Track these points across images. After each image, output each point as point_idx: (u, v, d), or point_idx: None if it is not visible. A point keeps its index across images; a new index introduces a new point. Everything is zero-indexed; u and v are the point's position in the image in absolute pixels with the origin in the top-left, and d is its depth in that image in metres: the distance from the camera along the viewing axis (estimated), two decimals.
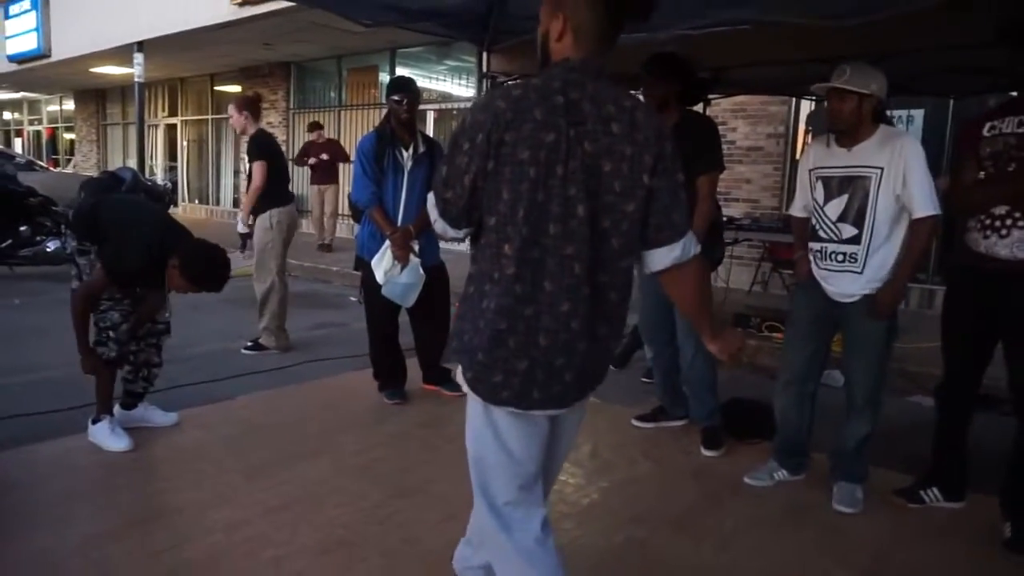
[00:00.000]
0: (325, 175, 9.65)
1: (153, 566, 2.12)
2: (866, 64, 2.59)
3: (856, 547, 2.43)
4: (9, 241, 7.09)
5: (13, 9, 14.99)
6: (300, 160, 9.67)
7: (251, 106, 4.85)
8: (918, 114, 6.77)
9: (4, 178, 7.76)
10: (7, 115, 24.43)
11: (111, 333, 2.94)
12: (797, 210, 2.87)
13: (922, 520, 2.63)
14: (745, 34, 3.50)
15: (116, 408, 3.09)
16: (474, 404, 1.63)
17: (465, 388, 1.60)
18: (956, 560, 2.38)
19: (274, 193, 4.74)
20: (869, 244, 2.57)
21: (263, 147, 4.73)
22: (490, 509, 1.64)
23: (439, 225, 1.58)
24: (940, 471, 2.73)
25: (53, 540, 2.24)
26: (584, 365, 1.55)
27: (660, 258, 1.58)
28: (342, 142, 11.99)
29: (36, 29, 14.05)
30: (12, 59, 15.18)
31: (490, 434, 1.60)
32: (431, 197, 1.57)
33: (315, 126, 9.98)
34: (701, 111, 4.70)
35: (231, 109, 4.86)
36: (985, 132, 2.46)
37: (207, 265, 2.84)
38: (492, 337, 1.49)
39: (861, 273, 2.59)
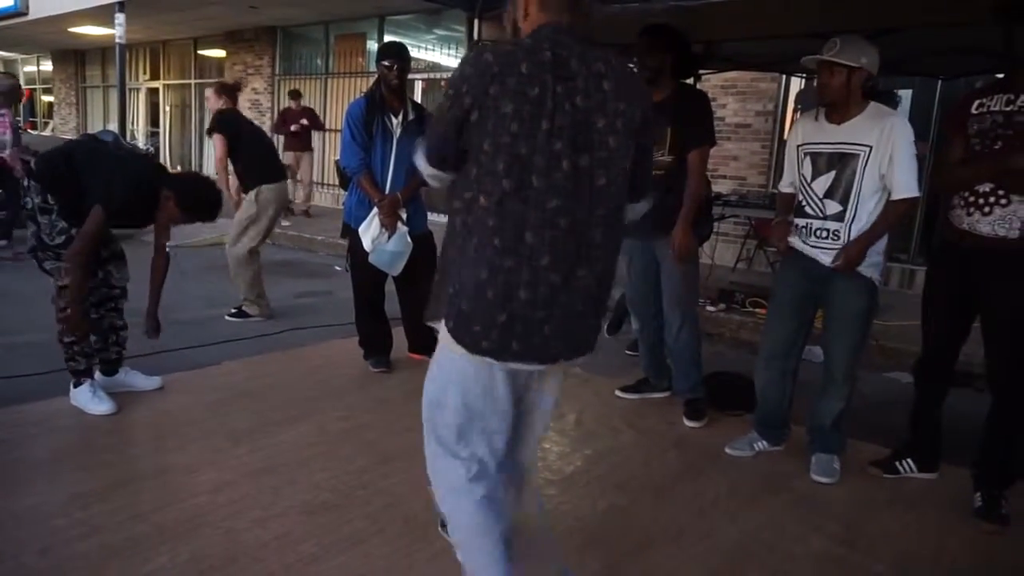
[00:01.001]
0: (302, 142, 9.60)
1: (138, 525, 2.13)
2: (858, 38, 2.59)
3: (831, 515, 2.48)
4: None
5: None
6: (280, 128, 9.58)
7: (231, 93, 4.93)
8: (906, 94, 6.80)
9: None
10: None
11: (75, 347, 2.93)
12: (785, 186, 2.88)
13: (896, 490, 2.70)
14: (739, 6, 3.49)
15: (97, 374, 3.07)
16: (443, 350, 1.62)
17: (445, 338, 1.59)
18: (928, 528, 2.44)
19: (261, 168, 4.73)
20: (852, 221, 2.59)
21: (218, 121, 4.79)
22: (440, 444, 1.67)
23: (428, 171, 1.60)
24: (915, 443, 2.79)
25: (38, 499, 2.25)
26: (567, 319, 1.55)
27: (630, 215, 1.67)
28: (328, 111, 11.84)
29: None
30: None
31: (454, 380, 1.61)
32: (419, 147, 1.60)
33: (295, 94, 9.93)
34: (693, 85, 4.68)
35: (209, 92, 4.93)
36: (973, 110, 2.48)
37: (201, 194, 2.95)
38: (475, 286, 1.50)
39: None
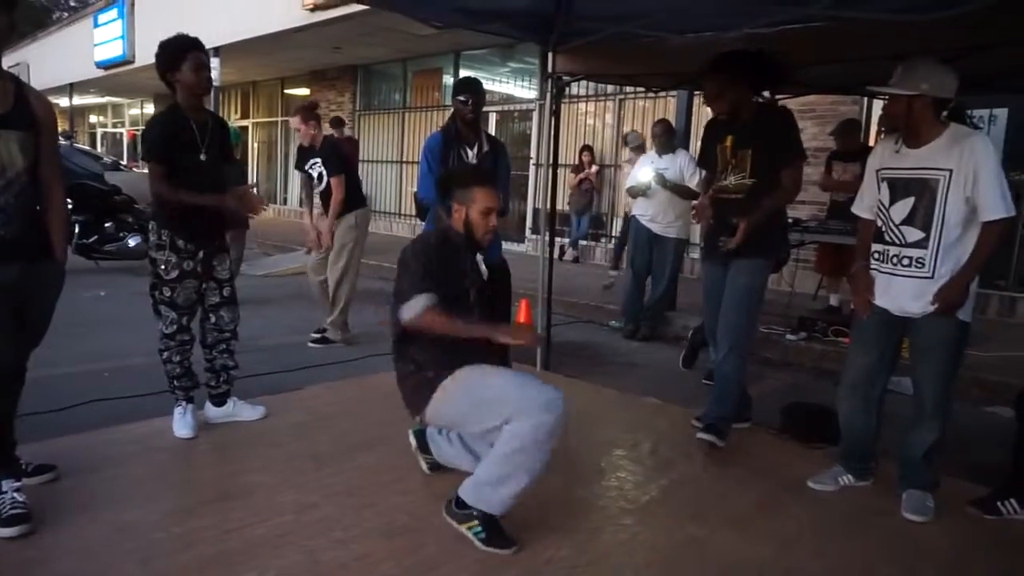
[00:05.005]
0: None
1: (228, 540, 2.24)
2: (922, 62, 2.50)
3: (925, 556, 2.36)
4: (95, 237, 7.52)
5: (102, 18, 15.88)
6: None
7: (315, 115, 4.99)
8: (1001, 113, 6.48)
9: (92, 177, 8.25)
10: (92, 118, 25.82)
11: (175, 383, 3.12)
12: (862, 209, 2.77)
13: (999, 532, 2.53)
14: (815, 31, 3.43)
15: (208, 405, 3.25)
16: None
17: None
18: None
19: (355, 196, 4.98)
20: (938, 248, 2.48)
21: (340, 159, 4.89)
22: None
23: (422, 300, 2.37)
24: (1019, 482, 2.62)
25: (139, 513, 2.39)
26: None
27: None
28: (406, 143, 12.26)
29: (122, 36, 14.85)
30: (100, 65, 16.07)
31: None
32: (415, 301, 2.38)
33: (338, 122, 9.88)
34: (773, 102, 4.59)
35: (297, 123, 4.90)
36: None
37: None
38: None
39: (932, 278, 2.50)
